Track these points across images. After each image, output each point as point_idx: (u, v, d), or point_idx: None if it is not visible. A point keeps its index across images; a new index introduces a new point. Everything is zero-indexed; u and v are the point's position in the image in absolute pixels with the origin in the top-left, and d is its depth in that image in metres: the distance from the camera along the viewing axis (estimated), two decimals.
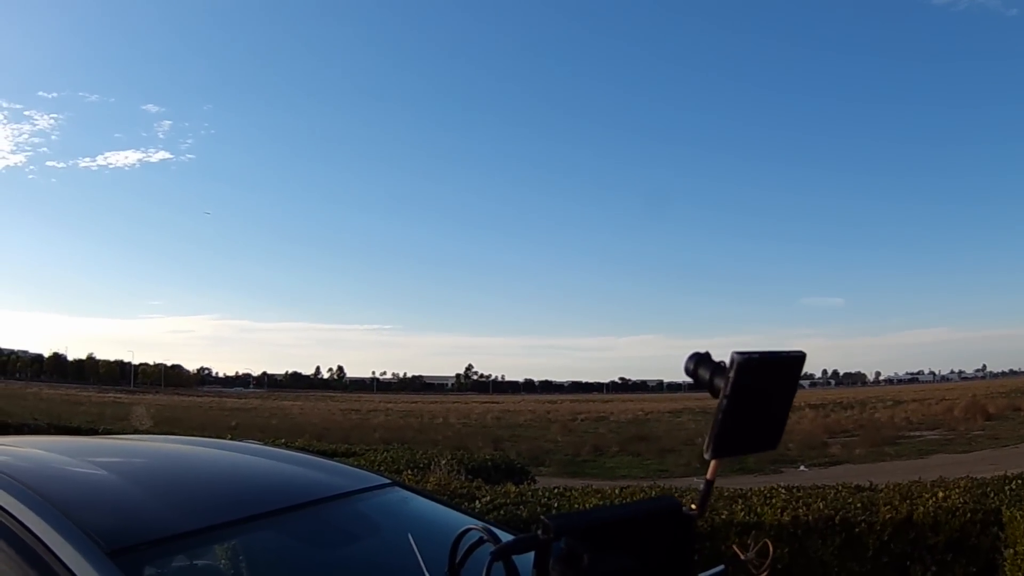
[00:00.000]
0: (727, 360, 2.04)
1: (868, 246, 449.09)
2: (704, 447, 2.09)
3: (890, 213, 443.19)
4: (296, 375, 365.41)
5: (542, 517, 2.00)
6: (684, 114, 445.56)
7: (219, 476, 4.01)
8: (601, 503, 9.61)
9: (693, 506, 2.25)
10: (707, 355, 2.15)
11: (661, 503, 2.29)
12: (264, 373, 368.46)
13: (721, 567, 2.62)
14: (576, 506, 9.52)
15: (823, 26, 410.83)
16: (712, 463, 2.16)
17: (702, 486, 2.24)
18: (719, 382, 2.05)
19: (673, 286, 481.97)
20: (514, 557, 2.13)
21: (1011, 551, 8.47)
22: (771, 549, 2.31)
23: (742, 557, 2.36)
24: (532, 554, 2.03)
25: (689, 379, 2.17)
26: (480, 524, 2.30)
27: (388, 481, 4.44)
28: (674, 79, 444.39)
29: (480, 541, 2.26)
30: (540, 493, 10.65)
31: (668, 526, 2.24)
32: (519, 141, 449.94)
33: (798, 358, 2.13)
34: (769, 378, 2.11)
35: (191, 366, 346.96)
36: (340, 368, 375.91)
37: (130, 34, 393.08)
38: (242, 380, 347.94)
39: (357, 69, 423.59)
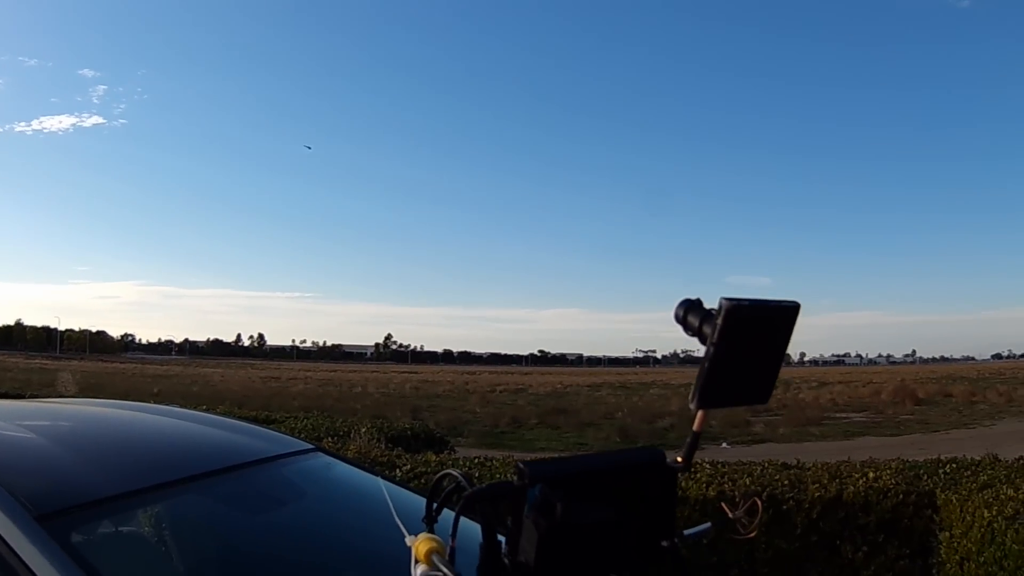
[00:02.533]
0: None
1: (797, 227, 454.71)
2: (689, 397, 2.05)
3: (820, 195, 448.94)
4: (218, 342, 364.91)
5: (517, 463, 1.96)
6: (618, 90, 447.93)
7: (148, 440, 3.99)
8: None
9: (679, 458, 2.20)
10: (698, 301, 2.09)
11: (644, 454, 2.25)
12: (186, 340, 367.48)
13: (707, 524, 2.57)
14: (498, 476, 9.48)
15: (762, 8, 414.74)
16: (699, 414, 2.12)
17: (688, 438, 2.18)
18: (707, 329, 2.00)
19: (597, 260, 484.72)
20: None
21: (946, 534, 8.50)
22: (760, 507, 2.29)
23: (730, 515, 2.33)
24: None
25: (679, 326, 2.10)
26: (456, 471, 2.17)
27: (312, 447, 4.44)
28: (611, 57, 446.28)
29: (456, 487, 2.16)
30: (461, 463, 10.61)
31: (651, 478, 2.19)
32: (448, 109, 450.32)
33: (791, 308, 2.09)
34: (760, 328, 2.06)
35: (116, 332, 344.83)
36: (261, 336, 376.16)
37: None
38: (164, 347, 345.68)
39: (297, 36, 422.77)
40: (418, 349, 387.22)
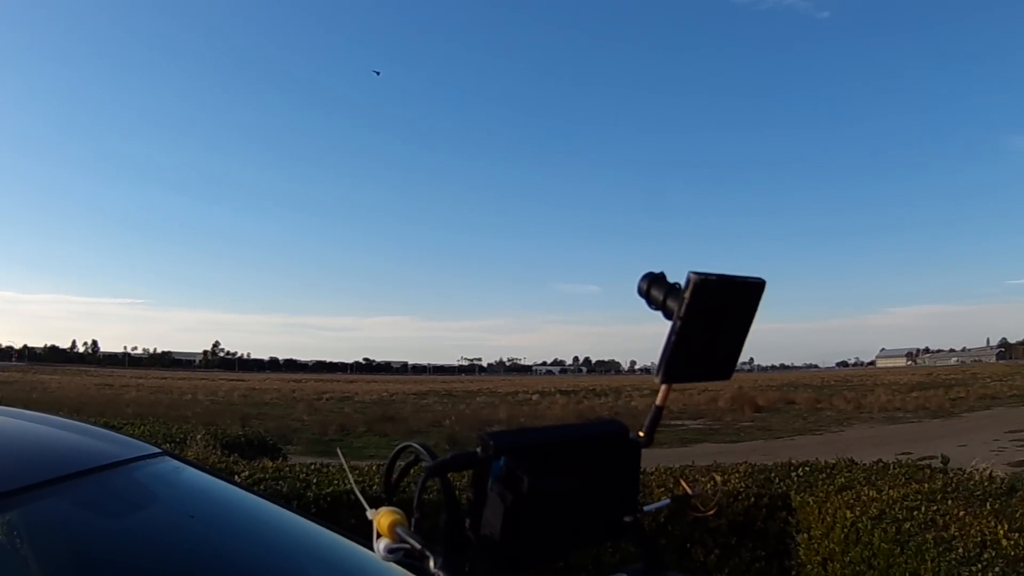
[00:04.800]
0: (682, 282, 1.99)
1: (624, 236, 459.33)
2: (655, 371, 2.07)
3: (649, 203, 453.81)
4: (55, 348, 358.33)
5: (482, 434, 1.93)
6: (446, 92, 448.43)
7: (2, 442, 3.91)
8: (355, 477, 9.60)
9: (640, 432, 2.20)
10: (661, 275, 2.09)
11: (606, 427, 2.22)
12: (25, 346, 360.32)
13: (667, 500, 2.57)
14: (335, 483, 9.52)
15: (617, 22, 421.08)
16: (662, 389, 2.14)
17: (651, 411, 2.21)
18: (673, 304, 2.00)
19: (422, 268, 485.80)
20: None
21: (805, 535, 8.69)
22: (719, 486, 2.31)
23: (690, 492, 2.35)
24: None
25: (642, 300, 2.11)
26: (416, 443, 2.15)
27: (159, 451, 4.36)
28: (439, 55, 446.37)
29: (415, 461, 2.09)
30: (297, 469, 10.54)
31: (613, 451, 2.18)
32: (281, 109, 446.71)
33: (757, 284, 2.09)
34: (725, 303, 2.07)
35: None
36: (95, 342, 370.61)
37: None
38: (5, 353, 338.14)
39: (140, 32, 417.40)
40: (245, 357, 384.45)
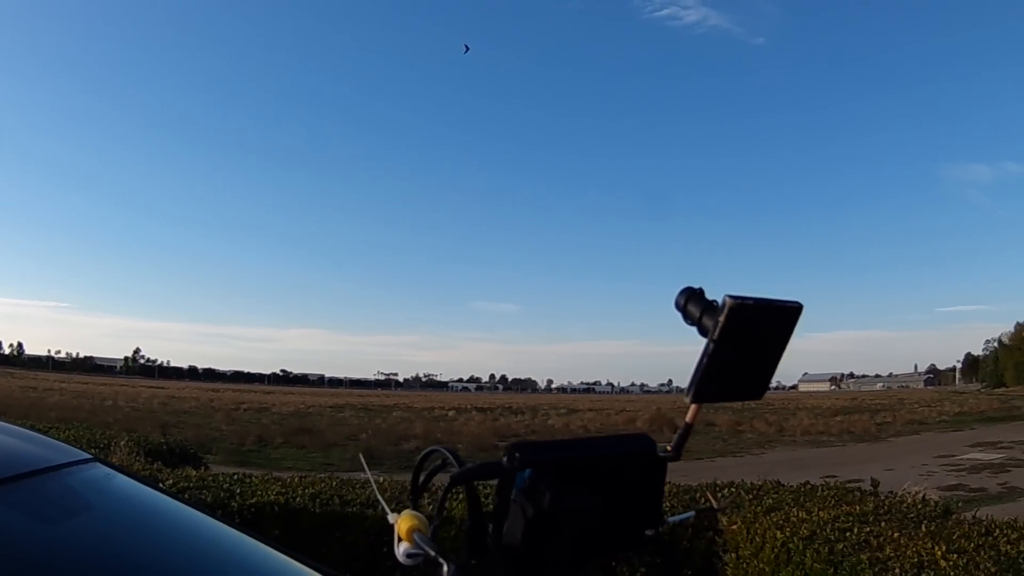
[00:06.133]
0: (720, 300, 2.00)
1: (543, 255, 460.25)
2: (685, 391, 2.09)
3: (569, 222, 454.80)
4: None
5: (509, 445, 1.94)
6: (367, 104, 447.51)
7: None
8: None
9: (668, 447, 2.22)
10: (700, 291, 2.10)
11: (635, 442, 2.25)
12: None
13: (691, 512, 2.54)
14: (259, 494, 9.51)
15: (561, 45, 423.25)
16: (692, 407, 2.15)
17: (680, 428, 2.21)
18: (708, 323, 2.01)
19: (340, 280, 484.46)
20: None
21: (732, 555, 8.64)
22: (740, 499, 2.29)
23: (715, 506, 2.35)
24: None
25: (679, 313, 2.12)
26: (443, 448, 2.08)
27: (90, 456, 4.29)
28: (363, 65, 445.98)
29: (441, 465, 2.10)
30: (221, 478, 10.49)
31: (640, 466, 2.20)
32: (202, 116, 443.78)
33: (794, 309, 2.08)
34: (761, 326, 2.07)
35: None
36: (20, 344, 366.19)
37: None
38: None
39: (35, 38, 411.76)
40: (165, 364, 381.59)
